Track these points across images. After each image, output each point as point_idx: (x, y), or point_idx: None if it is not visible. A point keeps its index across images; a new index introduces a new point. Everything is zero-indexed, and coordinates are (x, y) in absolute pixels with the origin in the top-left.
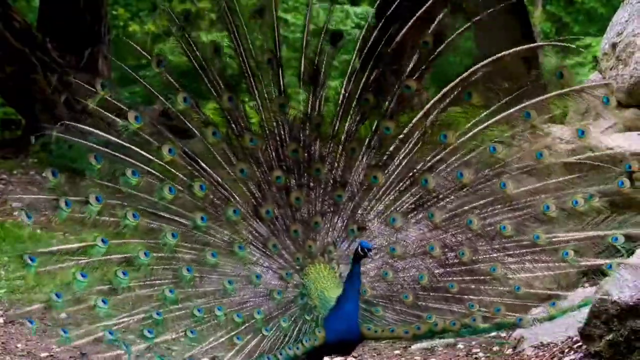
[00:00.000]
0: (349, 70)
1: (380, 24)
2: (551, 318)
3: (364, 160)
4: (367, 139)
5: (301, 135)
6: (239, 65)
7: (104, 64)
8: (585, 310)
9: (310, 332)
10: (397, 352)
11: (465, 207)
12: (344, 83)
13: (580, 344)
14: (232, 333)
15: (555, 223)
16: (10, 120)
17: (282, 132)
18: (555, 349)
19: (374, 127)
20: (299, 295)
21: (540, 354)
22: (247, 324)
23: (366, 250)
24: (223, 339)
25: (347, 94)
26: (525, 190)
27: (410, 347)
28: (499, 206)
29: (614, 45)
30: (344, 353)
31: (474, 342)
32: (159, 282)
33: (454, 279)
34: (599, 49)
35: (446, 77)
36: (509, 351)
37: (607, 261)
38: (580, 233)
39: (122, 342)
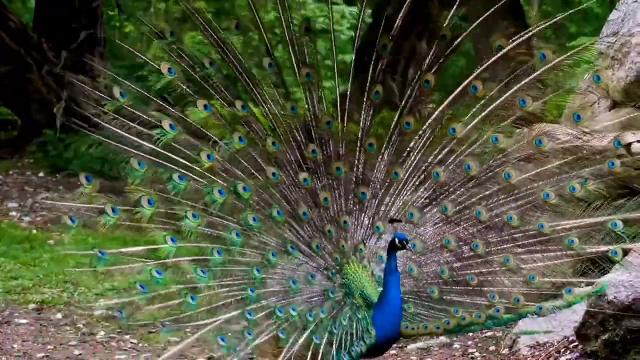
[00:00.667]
0: (334, 61)
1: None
2: (569, 305)
3: (385, 156)
4: (388, 135)
5: (314, 135)
6: (236, 71)
7: (100, 64)
8: (582, 309)
9: (365, 329)
10: (393, 352)
11: (473, 199)
12: (350, 79)
13: (576, 343)
14: (307, 332)
15: (556, 211)
16: (6, 120)
17: (298, 134)
18: (551, 349)
19: (394, 123)
20: (345, 295)
21: (537, 353)
22: (316, 322)
23: (404, 241)
24: (301, 339)
25: (353, 90)
26: (525, 178)
27: (406, 347)
28: (503, 196)
29: (609, 45)
30: (379, 354)
31: (469, 342)
32: (235, 282)
33: (472, 271)
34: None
35: (448, 77)
36: (505, 351)
37: (611, 247)
38: (581, 220)
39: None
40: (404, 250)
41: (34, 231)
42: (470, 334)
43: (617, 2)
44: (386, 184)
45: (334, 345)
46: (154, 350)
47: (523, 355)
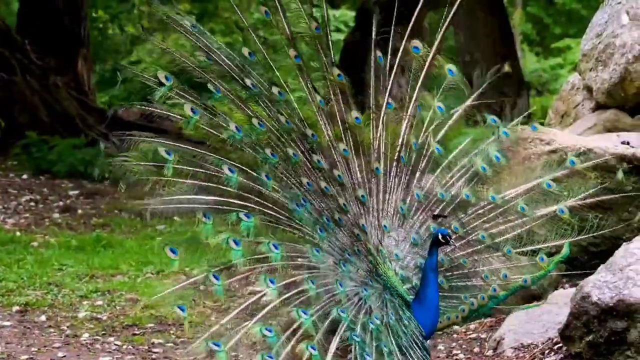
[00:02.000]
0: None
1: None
2: (547, 272)
3: (354, 155)
4: (341, 133)
5: (307, 146)
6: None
7: (84, 66)
8: (566, 311)
9: (418, 327)
10: None
11: (429, 181)
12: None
13: (560, 345)
14: (392, 338)
15: (498, 182)
16: None
17: (297, 146)
18: (535, 350)
19: (339, 119)
20: (391, 295)
21: (521, 355)
22: (395, 327)
23: (447, 237)
24: (394, 347)
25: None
26: (455, 155)
27: None
28: (450, 174)
29: (593, 47)
30: None
31: (454, 344)
32: (324, 308)
33: (462, 253)
34: (579, 50)
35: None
36: (490, 352)
37: (558, 206)
38: (519, 187)
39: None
40: (411, 249)
41: (18, 233)
42: (455, 335)
43: (602, 4)
44: (373, 180)
45: (415, 346)
46: (138, 352)
47: (507, 356)
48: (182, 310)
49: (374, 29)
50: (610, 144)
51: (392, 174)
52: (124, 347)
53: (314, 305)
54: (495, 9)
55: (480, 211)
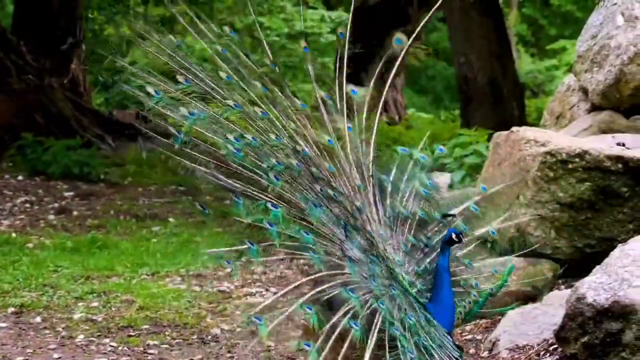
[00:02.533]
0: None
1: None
2: (504, 282)
3: (339, 169)
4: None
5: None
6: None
7: (79, 68)
8: (561, 313)
9: (441, 328)
10: None
11: (389, 199)
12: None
13: (555, 346)
14: (427, 336)
15: (436, 204)
16: None
17: (295, 157)
18: (531, 352)
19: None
20: (410, 296)
21: (516, 356)
22: (425, 328)
23: (460, 235)
24: (431, 343)
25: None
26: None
27: None
28: (401, 194)
29: (588, 48)
30: None
31: None
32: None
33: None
34: (574, 51)
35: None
36: (485, 354)
37: (489, 228)
38: (457, 209)
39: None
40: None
41: (13, 234)
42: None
43: (597, 5)
44: (360, 194)
45: (447, 343)
46: (133, 354)
47: (503, 358)
48: (229, 263)
49: (311, 72)
50: (605, 146)
51: (370, 190)
52: (120, 348)
53: (358, 289)
54: (490, 10)
55: (435, 228)
